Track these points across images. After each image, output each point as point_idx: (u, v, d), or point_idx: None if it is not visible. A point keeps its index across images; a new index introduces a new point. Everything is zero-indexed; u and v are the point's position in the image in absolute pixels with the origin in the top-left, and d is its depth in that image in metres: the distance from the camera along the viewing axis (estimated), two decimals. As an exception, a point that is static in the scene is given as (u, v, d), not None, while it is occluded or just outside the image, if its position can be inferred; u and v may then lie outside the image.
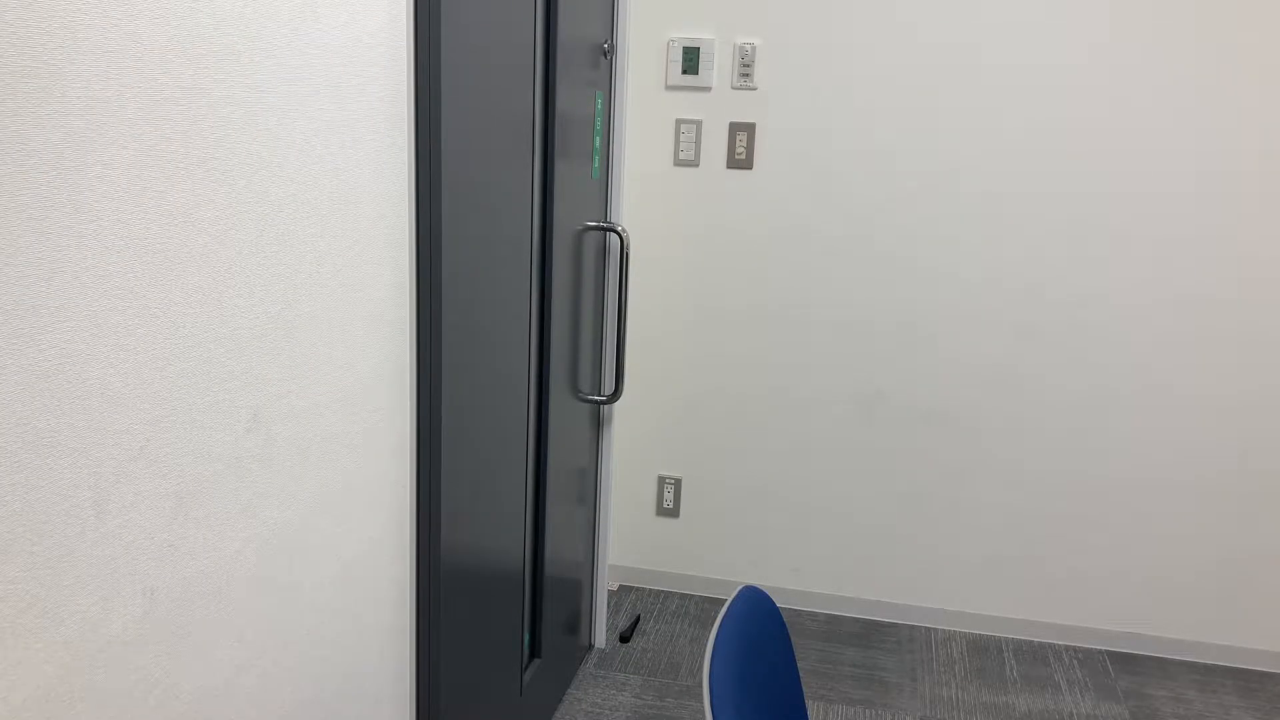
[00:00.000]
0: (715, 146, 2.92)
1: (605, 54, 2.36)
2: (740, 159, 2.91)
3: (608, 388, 2.70)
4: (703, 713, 1.18)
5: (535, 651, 2.35)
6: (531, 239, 2.00)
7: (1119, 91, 2.71)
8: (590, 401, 2.53)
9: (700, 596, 3.22)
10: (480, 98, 1.64)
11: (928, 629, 3.09)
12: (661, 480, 3.17)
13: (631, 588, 3.25)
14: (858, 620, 3.12)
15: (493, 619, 1.97)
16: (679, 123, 2.93)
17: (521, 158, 1.88)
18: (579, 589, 2.69)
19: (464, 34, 1.56)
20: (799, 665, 2.85)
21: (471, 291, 1.69)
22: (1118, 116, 2.72)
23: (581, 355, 2.44)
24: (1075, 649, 3.01)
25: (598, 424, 2.70)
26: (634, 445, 3.16)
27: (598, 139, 2.42)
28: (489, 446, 1.85)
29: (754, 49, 2.84)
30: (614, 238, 2.60)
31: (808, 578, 3.15)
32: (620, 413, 3.15)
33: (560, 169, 2.12)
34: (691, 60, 2.87)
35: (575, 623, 2.68)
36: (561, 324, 2.24)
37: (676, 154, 2.95)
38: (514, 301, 1.91)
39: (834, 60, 2.82)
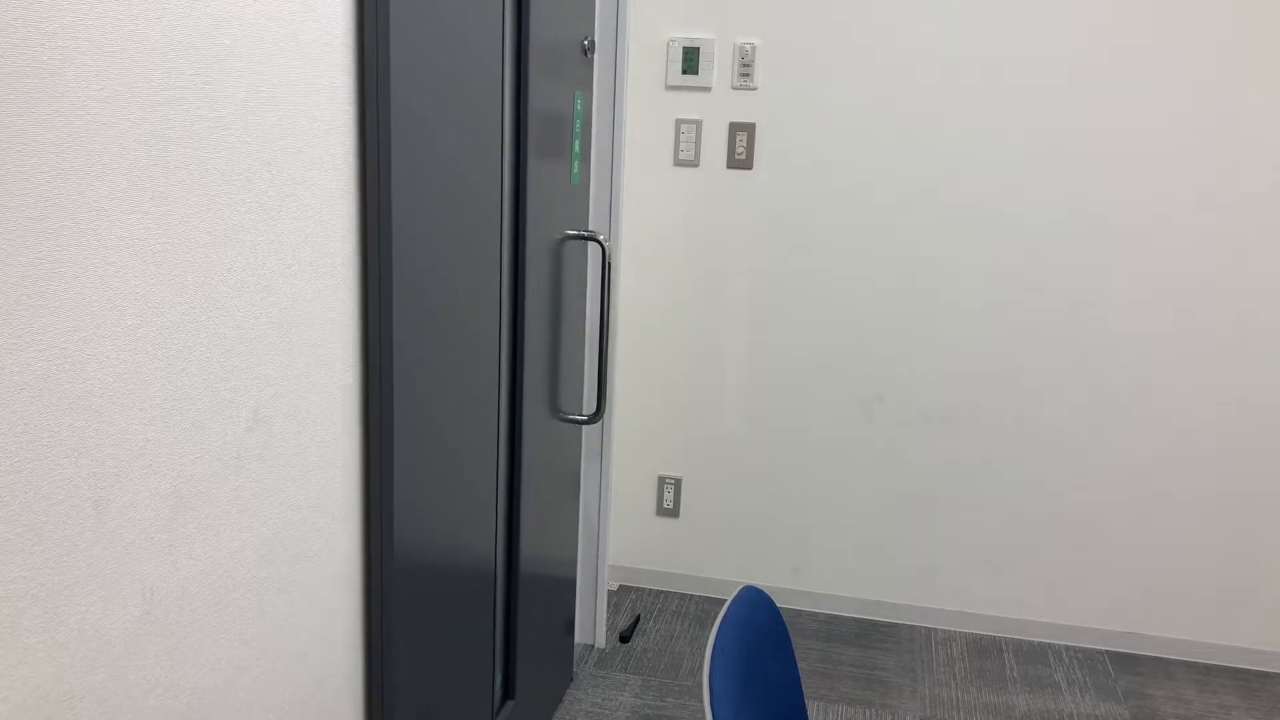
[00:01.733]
0: (715, 146, 2.92)
1: (585, 51, 2.21)
2: (740, 159, 2.91)
3: (589, 407, 2.62)
4: (703, 713, 1.17)
5: (509, 692, 2.16)
6: (501, 250, 1.83)
7: (1121, 92, 2.71)
8: (571, 421, 2.37)
9: (700, 596, 3.22)
10: (438, 99, 1.48)
11: (928, 629, 3.09)
12: (661, 480, 3.17)
13: (631, 588, 3.25)
14: (858, 620, 3.12)
15: (459, 660, 1.79)
16: (679, 123, 2.93)
17: (489, 164, 1.72)
18: (559, 618, 2.52)
19: (416, 30, 1.40)
20: (799, 665, 2.85)
21: (428, 309, 1.51)
22: (1119, 117, 2.72)
23: (562, 373, 2.28)
24: (1075, 649, 3.01)
25: (580, 442, 2.59)
26: (634, 445, 3.16)
27: (577, 142, 2.26)
28: (450, 476, 1.67)
29: (754, 49, 2.84)
30: (596, 247, 2.48)
31: (808, 578, 3.15)
32: (620, 413, 3.15)
33: (534, 175, 1.94)
34: (691, 60, 2.86)
35: (554, 658, 2.51)
36: (537, 340, 2.07)
37: (676, 154, 2.95)
38: (481, 319, 1.75)
39: (834, 60, 2.82)
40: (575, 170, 2.25)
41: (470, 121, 1.63)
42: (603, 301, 2.33)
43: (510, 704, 2.14)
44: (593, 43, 2.24)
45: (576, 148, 2.25)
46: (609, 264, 2.29)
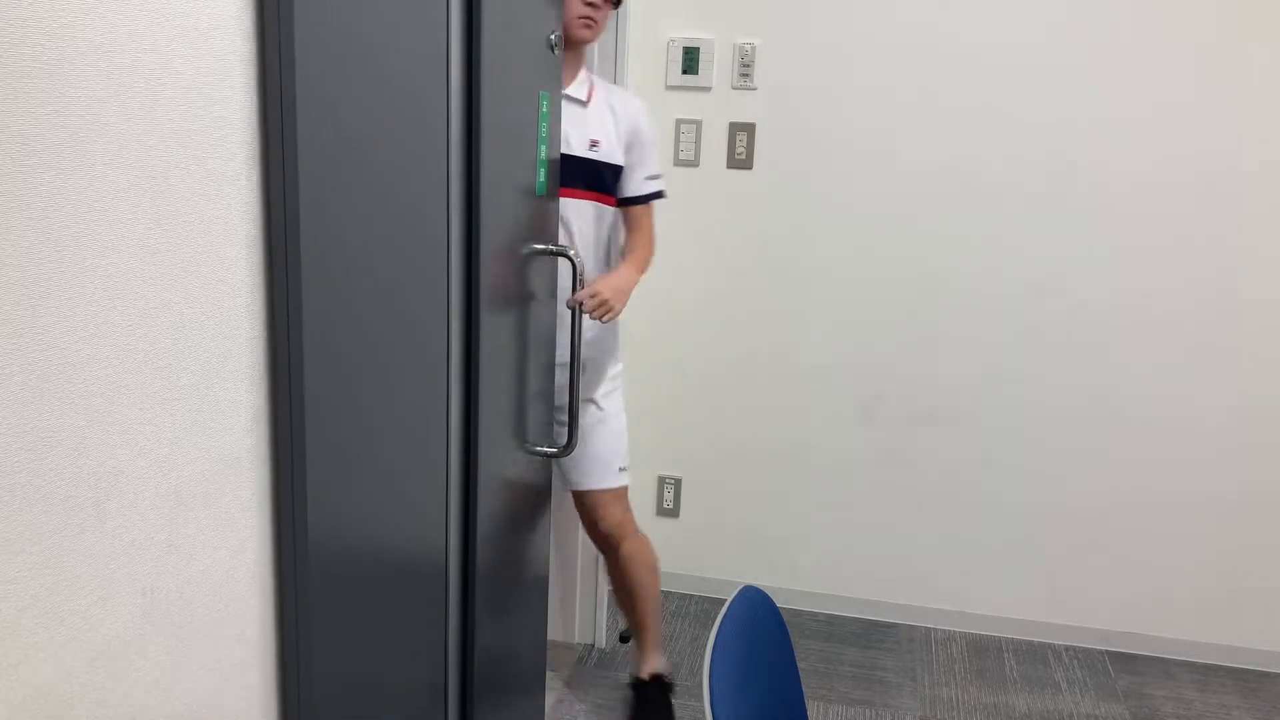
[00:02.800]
0: (715, 146, 2.92)
1: (552, 47, 2.03)
2: (740, 159, 2.91)
3: (561, 437, 2.40)
4: (703, 713, 1.17)
5: None
6: (449, 272, 1.60)
7: (1123, 92, 2.71)
8: (540, 454, 2.08)
9: (700, 596, 3.22)
10: (362, 104, 1.29)
11: (928, 629, 3.09)
12: (661, 480, 3.17)
13: (631, 588, 3.25)
14: (858, 620, 3.12)
15: (401, 698, 1.54)
16: (679, 123, 2.93)
17: (433, 175, 1.51)
18: (531, 680, 2.19)
19: (329, 21, 1.19)
20: (799, 665, 2.85)
21: (350, 346, 1.31)
22: (1121, 117, 2.72)
23: (529, 402, 2.00)
24: (1075, 649, 3.01)
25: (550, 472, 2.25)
26: (634, 445, 3.16)
27: (543, 148, 1.99)
28: (388, 534, 1.45)
29: (754, 49, 2.84)
30: (566, 264, 2.19)
31: (808, 578, 3.15)
32: (620, 413, 3.14)
33: (488, 186, 1.69)
34: (691, 60, 2.86)
35: (523, 698, 2.16)
36: (498, 368, 1.80)
37: (676, 154, 2.95)
38: (426, 347, 1.53)
39: (834, 60, 2.82)
40: (542, 179, 1.99)
41: (406, 134, 1.41)
42: (573, 324, 2.04)
43: None
44: (560, 37, 2.10)
45: (543, 153, 2.01)
46: (582, 282, 2.07)
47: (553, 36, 2.02)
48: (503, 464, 1.86)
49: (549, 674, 2.77)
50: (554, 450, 2.10)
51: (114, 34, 0.90)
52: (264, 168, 1.15)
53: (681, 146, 2.94)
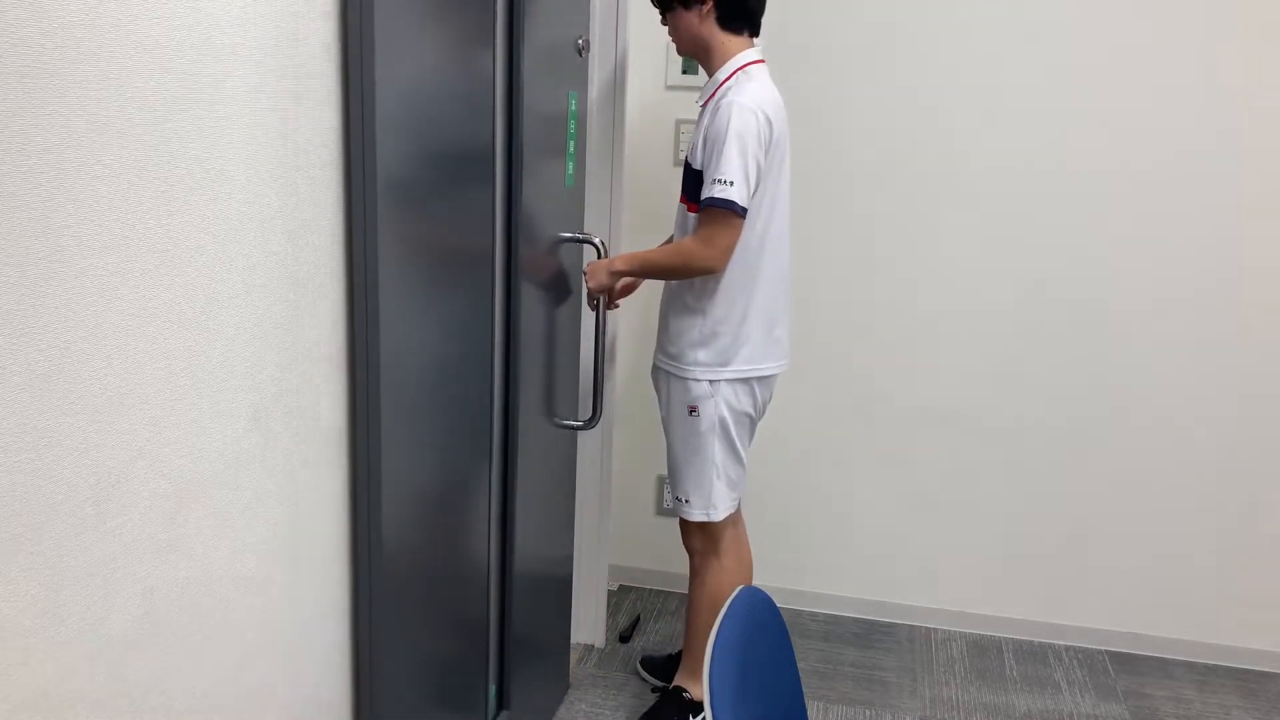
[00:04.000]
0: (715, 146, 2.92)
1: (580, 51, 2.17)
2: (740, 159, 2.90)
3: (585, 412, 2.58)
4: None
5: (503, 703, 2.11)
6: (494, 255, 1.80)
7: (1127, 90, 2.71)
8: (566, 427, 2.34)
9: (700, 596, 3.21)
10: (425, 101, 1.45)
11: (928, 629, 3.09)
12: (661, 480, 3.17)
13: (631, 588, 3.25)
14: (858, 620, 3.12)
15: (451, 670, 1.75)
16: (679, 123, 2.93)
17: (480, 167, 1.69)
18: (555, 630, 2.47)
19: (403, 27, 1.36)
20: (799, 665, 2.85)
21: (417, 316, 1.49)
22: (1122, 117, 2.72)
23: (557, 378, 2.23)
24: (1075, 649, 3.01)
25: (575, 445, 2.53)
26: (634, 445, 3.16)
27: (572, 143, 2.22)
28: (442, 480, 1.64)
29: (754, 49, 2.83)
30: (591, 251, 2.41)
31: (808, 578, 3.15)
32: (620, 413, 3.14)
33: (528, 177, 1.90)
34: (691, 60, 2.87)
35: (551, 666, 2.47)
36: (533, 345, 2.03)
37: (676, 154, 2.95)
38: (475, 324, 1.72)
39: (833, 60, 2.82)
40: (570, 171, 2.23)
41: (460, 127, 1.59)
42: (597, 306, 2.30)
43: (505, 715, 2.10)
44: (587, 42, 2.20)
45: (571, 148, 2.21)
46: None
47: (580, 41, 2.18)
48: (536, 436, 2.10)
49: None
50: (579, 424, 2.35)
51: (122, 37, 0.91)
52: (345, 173, 1.32)
53: (681, 146, 2.94)
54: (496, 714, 2.08)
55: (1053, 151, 2.77)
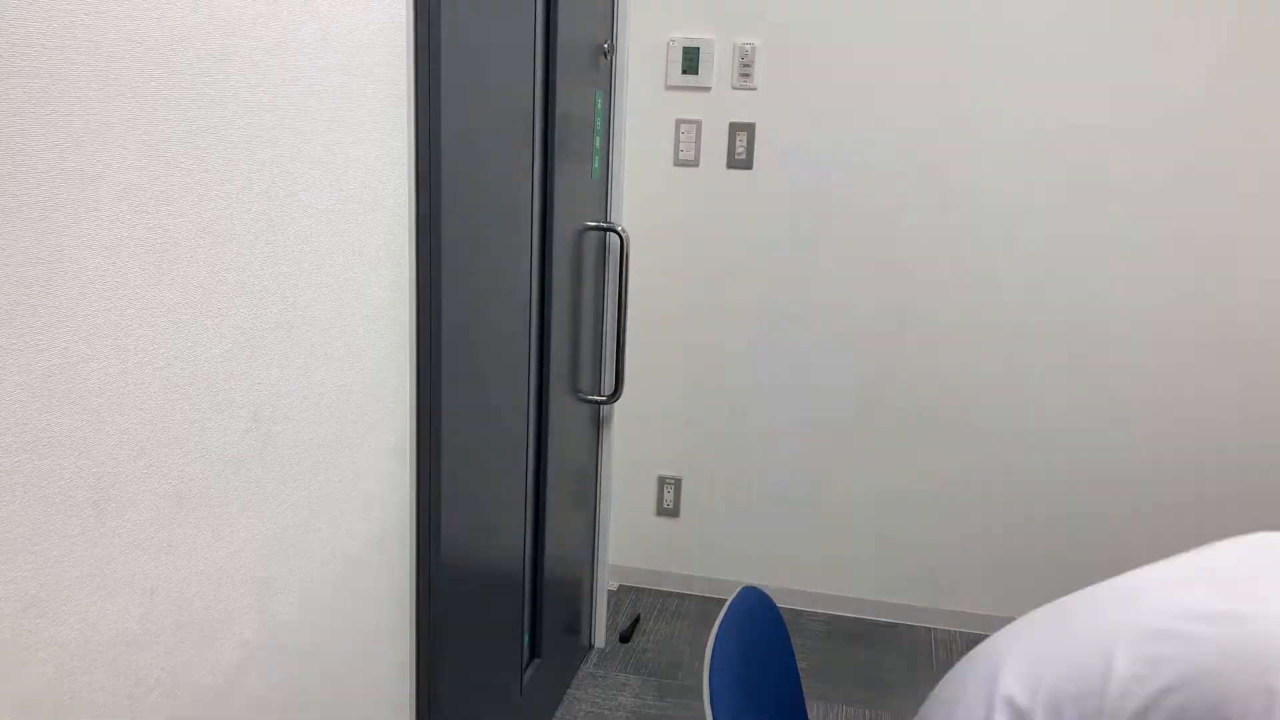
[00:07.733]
0: (715, 146, 2.92)
1: (605, 54, 2.34)
2: (740, 159, 2.91)
3: (607, 388, 2.70)
4: (703, 713, 1.18)
5: (535, 651, 2.36)
6: (532, 239, 2.00)
7: (1121, 92, 2.71)
8: (590, 402, 2.55)
9: (700, 596, 3.22)
10: (480, 97, 1.65)
11: (928, 629, 3.09)
12: (661, 480, 3.17)
13: (631, 588, 3.25)
14: (858, 620, 3.12)
15: (493, 619, 1.98)
16: (679, 123, 2.93)
17: (522, 158, 1.89)
18: (579, 588, 2.70)
19: (464, 33, 1.56)
20: (799, 665, 2.85)
21: (471, 291, 1.70)
22: (1120, 117, 2.72)
23: (581, 355, 2.45)
24: (1075, 649, 3.00)
25: (598, 424, 2.70)
26: (634, 445, 3.16)
27: (598, 139, 2.42)
28: (489, 447, 1.86)
29: (754, 49, 2.84)
30: (614, 238, 2.60)
31: (808, 578, 3.15)
32: (620, 413, 3.15)
33: (560, 169, 2.12)
34: (691, 60, 2.86)
35: (575, 623, 2.68)
36: (561, 324, 2.25)
37: (676, 154, 2.95)
38: (514, 302, 1.92)
39: (834, 60, 2.82)
40: (596, 165, 2.43)
41: (506, 122, 1.78)
42: (620, 287, 2.53)
43: (536, 661, 2.36)
44: (612, 45, 2.37)
45: (597, 144, 2.42)
46: (627, 254, 2.52)
47: (605, 45, 2.35)
48: (563, 411, 2.35)
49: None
50: (602, 398, 2.61)
51: (111, 34, 0.90)
52: (414, 171, 1.49)
53: (681, 146, 2.94)
54: (530, 660, 2.34)
55: (1054, 152, 2.77)
